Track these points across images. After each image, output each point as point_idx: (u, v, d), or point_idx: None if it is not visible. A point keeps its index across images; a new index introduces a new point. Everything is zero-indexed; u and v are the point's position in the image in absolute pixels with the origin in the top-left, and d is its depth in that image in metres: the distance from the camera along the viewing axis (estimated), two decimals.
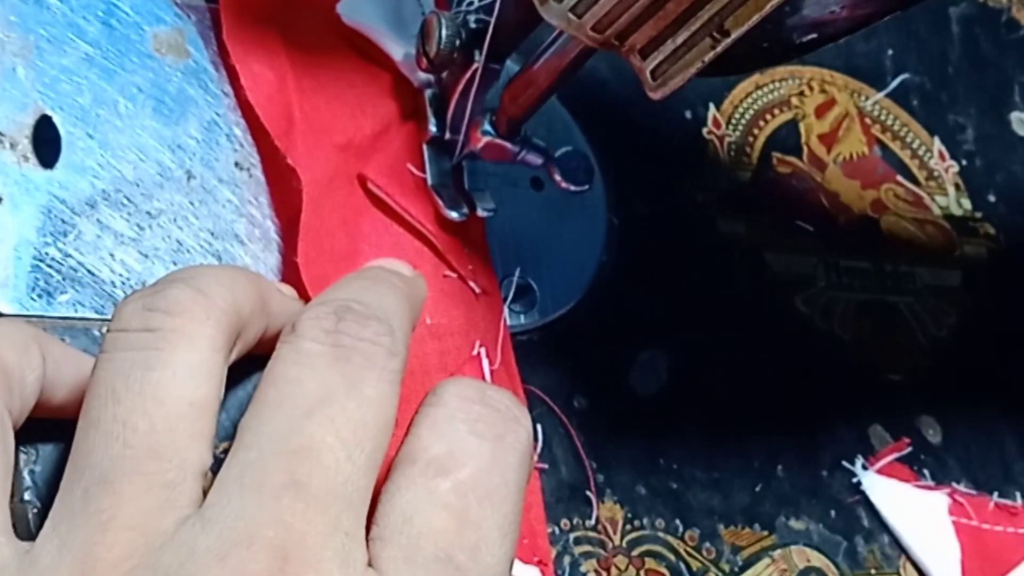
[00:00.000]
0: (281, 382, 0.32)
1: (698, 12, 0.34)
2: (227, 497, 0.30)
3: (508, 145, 0.42)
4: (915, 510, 0.48)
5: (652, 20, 0.35)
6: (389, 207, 0.42)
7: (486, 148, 0.42)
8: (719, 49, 0.34)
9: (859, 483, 0.47)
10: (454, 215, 0.42)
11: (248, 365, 0.35)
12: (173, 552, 0.29)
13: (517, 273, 0.44)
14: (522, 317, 0.44)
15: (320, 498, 0.30)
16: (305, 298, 0.39)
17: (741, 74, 0.53)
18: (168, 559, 0.29)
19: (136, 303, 0.32)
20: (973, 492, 0.49)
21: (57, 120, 0.39)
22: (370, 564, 0.31)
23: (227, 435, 0.35)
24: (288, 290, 0.39)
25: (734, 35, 0.33)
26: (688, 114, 0.52)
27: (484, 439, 0.34)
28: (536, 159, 0.43)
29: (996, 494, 0.50)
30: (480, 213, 0.43)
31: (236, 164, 0.41)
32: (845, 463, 0.48)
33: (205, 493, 0.31)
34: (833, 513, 0.46)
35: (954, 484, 0.49)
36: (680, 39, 0.34)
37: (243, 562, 0.29)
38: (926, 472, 0.49)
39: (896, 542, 0.47)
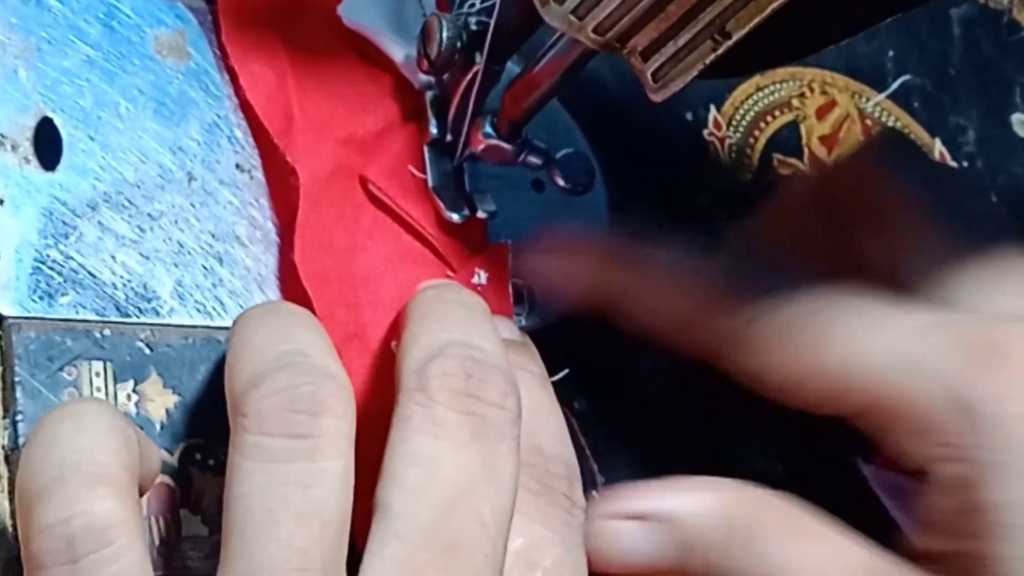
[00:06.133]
0: (421, 461, 0.32)
1: (700, 14, 0.34)
2: None
3: (509, 147, 0.42)
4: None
5: (653, 22, 0.35)
6: (390, 208, 0.42)
7: (487, 150, 0.42)
8: (720, 51, 0.34)
9: (862, 481, 0.47)
10: (455, 217, 0.42)
11: None
12: None
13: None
14: (522, 319, 0.44)
15: None
16: (304, 295, 0.39)
17: (742, 76, 0.53)
18: None
19: (275, 401, 0.31)
20: None
21: (58, 122, 0.39)
22: None
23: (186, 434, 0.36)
24: None
25: (735, 37, 0.33)
26: (689, 116, 0.52)
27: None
28: (537, 161, 0.43)
29: None
30: (481, 215, 0.43)
31: (237, 166, 0.41)
32: (848, 460, 0.48)
33: None
34: (835, 514, 0.46)
35: None
36: (681, 41, 0.34)
37: None
38: None
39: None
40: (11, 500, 0.35)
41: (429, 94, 0.44)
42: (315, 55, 0.42)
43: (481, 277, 0.42)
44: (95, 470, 0.31)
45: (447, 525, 0.31)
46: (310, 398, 0.32)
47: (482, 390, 0.33)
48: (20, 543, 0.31)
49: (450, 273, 0.42)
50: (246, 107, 0.41)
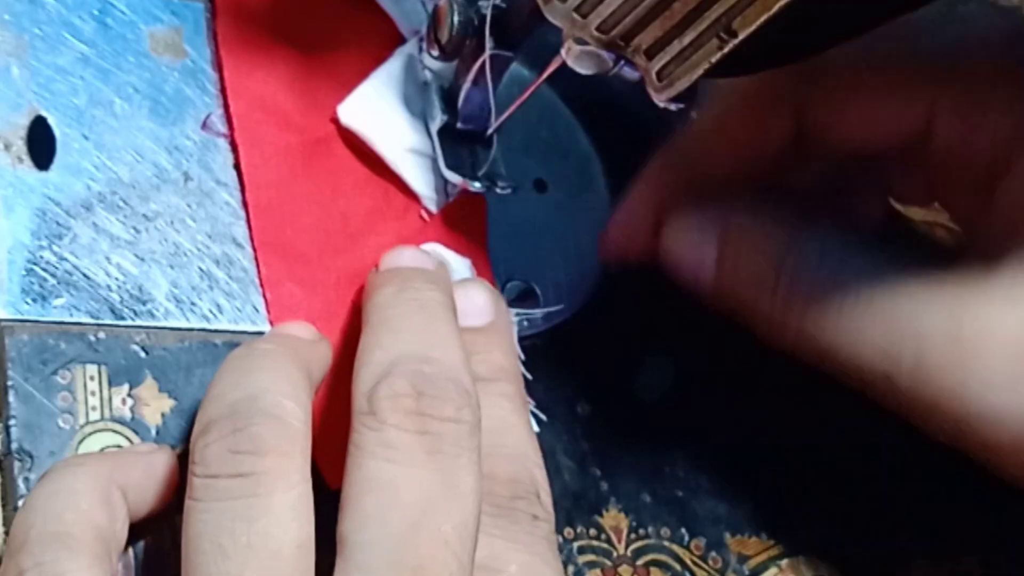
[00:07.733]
0: (377, 487, 0.32)
1: (705, 12, 0.33)
2: None
3: (605, 54, 0.39)
4: None
5: (658, 20, 0.34)
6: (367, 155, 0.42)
7: (581, 57, 0.40)
8: (726, 50, 0.33)
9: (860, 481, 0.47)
10: (476, 186, 0.42)
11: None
12: None
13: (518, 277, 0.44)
14: (525, 322, 0.43)
15: None
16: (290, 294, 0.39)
17: (748, 75, 0.52)
18: None
19: (219, 445, 0.32)
20: None
21: (52, 121, 0.39)
22: None
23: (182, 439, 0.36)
24: None
25: (741, 36, 0.33)
26: (694, 115, 0.51)
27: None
28: (633, 73, 0.41)
29: None
30: (498, 191, 0.42)
31: (234, 166, 0.41)
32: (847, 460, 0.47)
33: None
34: (835, 514, 0.46)
35: None
36: (687, 40, 0.34)
37: None
38: None
39: None
40: (3, 505, 0.35)
41: (435, 84, 0.43)
42: (312, 55, 0.42)
43: None
44: (52, 529, 0.32)
45: (410, 550, 0.31)
46: (253, 439, 0.32)
47: (434, 407, 0.33)
48: None
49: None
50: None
